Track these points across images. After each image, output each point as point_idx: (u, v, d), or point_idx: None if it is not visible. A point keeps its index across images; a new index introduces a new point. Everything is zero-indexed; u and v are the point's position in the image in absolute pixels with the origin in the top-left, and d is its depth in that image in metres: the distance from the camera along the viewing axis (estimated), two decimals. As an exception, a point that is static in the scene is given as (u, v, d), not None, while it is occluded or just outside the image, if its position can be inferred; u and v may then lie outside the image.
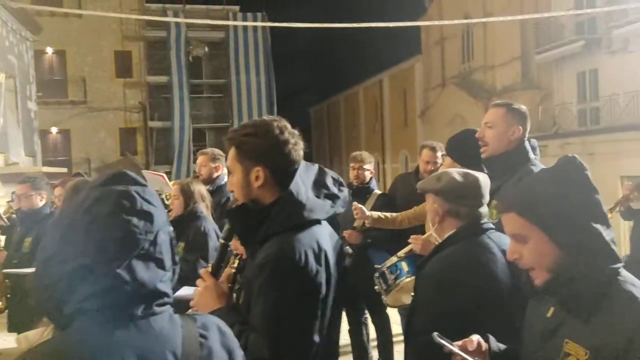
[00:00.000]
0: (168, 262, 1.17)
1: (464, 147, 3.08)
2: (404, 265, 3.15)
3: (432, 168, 4.58)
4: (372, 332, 5.02)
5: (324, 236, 1.84)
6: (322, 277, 1.76)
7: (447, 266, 2.11)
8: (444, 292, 2.05)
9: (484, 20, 19.59)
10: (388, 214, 4.23)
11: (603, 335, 1.39)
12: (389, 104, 33.35)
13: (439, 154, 4.63)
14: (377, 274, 3.29)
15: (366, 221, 4.15)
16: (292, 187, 1.80)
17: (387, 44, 32.66)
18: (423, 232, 4.04)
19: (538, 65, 20.73)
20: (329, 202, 1.88)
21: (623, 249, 14.05)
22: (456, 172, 2.24)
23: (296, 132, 1.87)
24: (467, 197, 2.18)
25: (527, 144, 2.75)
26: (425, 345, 1.66)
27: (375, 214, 4.18)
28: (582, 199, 1.49)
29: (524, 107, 2.81)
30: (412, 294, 2.80)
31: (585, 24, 18.55)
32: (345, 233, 4.45)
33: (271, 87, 29.83)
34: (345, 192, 1.99)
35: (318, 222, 1.84)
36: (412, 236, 3.24)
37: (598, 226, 1.45)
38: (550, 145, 18.27)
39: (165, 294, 1.16)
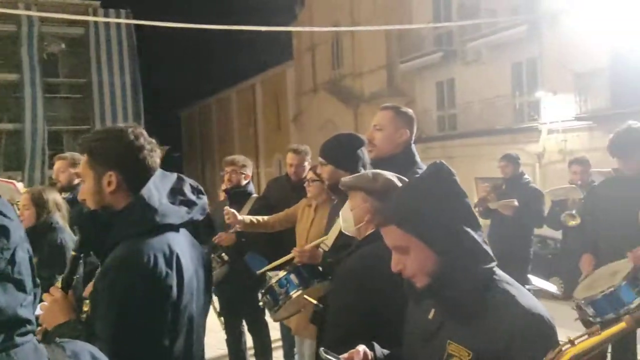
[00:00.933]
0: (29, 284, 1.03)
1: (341, 151, 3.09)
2: (294, 278, 3.08)
3: (296, 171, 4.58)
4: (249, 340, 4.91)
5: (179, 242, 1.83)
6: (172, 281, 1.73)
7: (369, 263, 2.08)
8: (365, 289, 2.02)
9: (351, 29, 20.37)
10: (260, 218, 4.17)
11: (484, 335, 1.41)
12: (262, 108, 33.42)
13: (307, 157, 4.64)
14: (262, 290, 3.18)
15: (238, 225, 4.05)
16: (143, 192, 1.79)
17: (260, 48, 32.74)
18: (293, 234, 4.06)
19: (402, 74, 21.97)
20: (184, 208, 1.87)
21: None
22: (390, 174, 2.23)
23: (153, 141, 1.87)
24: None
25: (413, 147, 2.81)
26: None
27: (247, 217, 4.11)
28: (452, 204, 1.52)
29: (410, 111, 2.87)
30: (315, 301, 2.74)
31: (443, 37, 20.02)
32: (215, 239, 4.31)
33: (137, 88, 28.47)
34: (204, 200, 1.97)
35: (172, 228, 1.83)
36: (295, 249, 3.18)
37: (469, 229, 1.48)
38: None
39: (28, 321, 1.02)
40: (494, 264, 1.51)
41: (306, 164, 4.61)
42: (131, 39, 28.56)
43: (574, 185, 5.38)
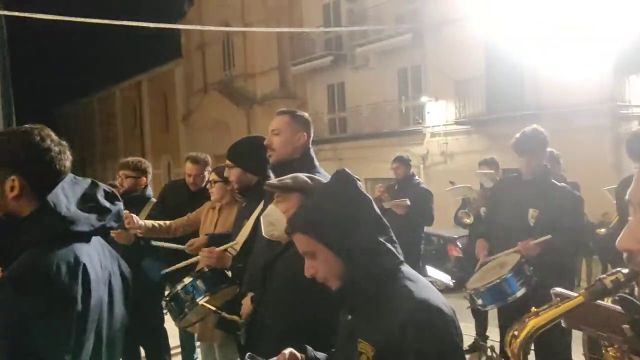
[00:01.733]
0: None
1: (249, 154, 3.08)
2: (200, 284, 2.99)
3: (195, 181, 4.48)
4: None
5: (87, 251, 1.75)
6: (77, 292, 1.65)
7: (297, 264, 2.08)
8: (303, 289, 1.99)
9: (242, 29, 20.22)
10: (162, 222, 4.05)
11: (382, 329, 1.48)
12: (149, 108, 32.14)
13: (207, 167, 4.52)
14: (167, 297, 3.08)
15: (138, 230, 3.90)
16: (50, 197, 1.70)
17: (147, 45, 31.39)
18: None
19: (294, 76, 22.19)
20: (94, 215, 1.79)
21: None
22: (321, 177, 2.27)
23: (63, 142, 1.78)
24: None
25: (312, 150, 2.87)
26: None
27: (149, 222, 3.97)
28: (353, 210, 1.59)
29: (306, 114, 2.92)
30: (214, 308, 2.68)
31: (333, 41, 20.51)
32: (114, 233, 4.09)
33: (6, 83, 26.13)
34: (119, 206, 1.90)
35: (82, 236, 1.75)
36: (204, 249, 3.11)
37: (370, 229, 1.57)
38: (306, 151, 19.65)
39: None
40: (398, 260, 1.58)
41: (206, 173, 4.49)
42: (1, 30, 26.22)
43: (469, 185, 5.77)
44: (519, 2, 13.93)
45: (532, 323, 0.95)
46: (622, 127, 12.84)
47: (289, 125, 2.80)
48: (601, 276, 0.94)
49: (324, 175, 2.75)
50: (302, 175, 2.31)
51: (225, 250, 3.10)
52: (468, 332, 5.80)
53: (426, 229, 6.71)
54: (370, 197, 1.69)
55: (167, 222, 4.07)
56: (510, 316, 3.58)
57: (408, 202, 5.69)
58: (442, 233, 12.26)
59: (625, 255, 0.87)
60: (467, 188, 5.71)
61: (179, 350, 4.93)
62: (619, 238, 0.88)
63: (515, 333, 0.96)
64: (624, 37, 12.35)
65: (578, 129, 13.03)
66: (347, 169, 1.68)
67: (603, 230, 7.78)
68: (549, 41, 13.31)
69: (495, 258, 3.65)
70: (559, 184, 3.79)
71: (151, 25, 12.40)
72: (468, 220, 5.53)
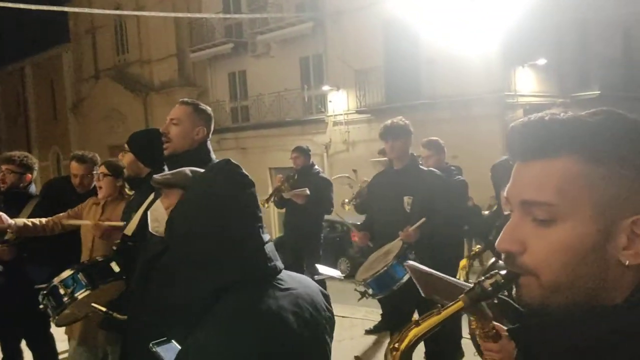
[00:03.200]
0: None
1: (146, 143, 2.91)
2: (81, 277, 2.80)
3: (82, 182, 4.15)
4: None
5: None
6: None
7: None
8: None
9: (135, 13, 19.25)
10: (37, 220, 3.70)
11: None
12: (34, 96, 29.89)
13: (95, 167, 4.19)
14: (44, 291, 2.84)
15: (9, 230, 3.54)
16: None
17: (29, 29, 29.04)
18: (78, 238, 3.68)
19: (193, 64, 21.54)
20: None
21: (275, 233, 15.89)
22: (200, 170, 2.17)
23: None
24: None
25: (209, 144, 2.77)
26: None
27: (20, 220, 3.64)
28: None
29: (209, 109, 2.83)
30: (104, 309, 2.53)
31: (233, 28, 20.10)
32: None
33: None
34: None
35: None
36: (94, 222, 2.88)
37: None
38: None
39: None
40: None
41: (94, 173, 4.15)
42: None
43: (347, 175, 5.97)
44: (414, -6, 14.36)
45: (412, 333, 0.91)
46: (509, 115, 13.68)
47: (190, 116, 2.71)
48: (480, 279, 0.89)
49: None
50: (186, 170, 2.20)
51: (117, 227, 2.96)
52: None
53: (330, 216, 6.79)
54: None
55: (44, 220, 3.75)
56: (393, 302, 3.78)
57: (307, 192, 5.67)
58: (345, 220, 12.44)
59: (503, 256, 0.84)
60: (346, 177, 5.96)
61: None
62: (498, 239, 0.84)
63: (396, 345, 0.92)
64: (511, 30, 13.11)
65: (471, 117, 13.74)
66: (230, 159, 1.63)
67: (487, 212, 8.31)
68: (443, 33, 13.85)
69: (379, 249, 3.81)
70: (425, 169, 4.06)
71: (35, 7, 11.42)
72: (347, 207, 5.77)
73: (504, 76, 14.00)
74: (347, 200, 5.82)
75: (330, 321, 1.65)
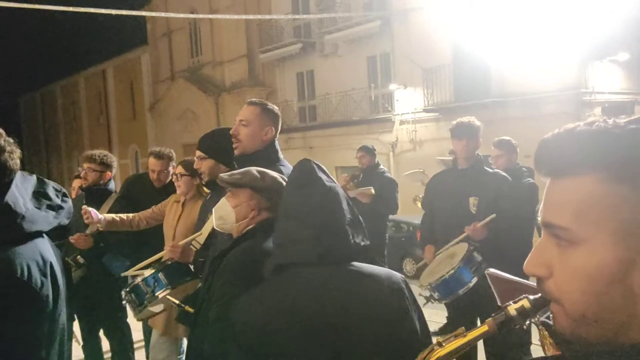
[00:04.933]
0: None
1: (222, 145, 2.97)
2: (162, 277, 2.93)
3: (159, 177, 4.36)
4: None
5: (48, 248, 1.76)
6: (49, 290, 1.68)
7: (251, 258, 2.08)
8: (246, 282, 1.99)
9: (209, 16, 19.89)
10: (123, 215, 3.95)
11: None
12: (115, 96, 31.48)
13: (171, 162, 4.41)
14: (127, 289, 3.01)
15: (99, 225, 3.80)
16: (8, 197, 1.65)
17: (111, 32, 30.64)
18: (161, 233, 3.89)
19: (263, 64, 21.97)
20: (52, 213, 1.79)
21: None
22: (274, 173, 2.28)
23: (11, 140, 1.73)
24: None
25: (277, 143, 2.82)
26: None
27: (109, 216, 3.88)
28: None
29: (277, 108, 2.87)
30: (178, 302, 2.67)
31: (302, 29, 20.35)
32: (72, 238, 3.99)
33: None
34: (69, 203, 1.89)
35: (40, 234, 1.75)
36: (168, 245, 3.07)
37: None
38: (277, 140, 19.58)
39: None
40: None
41: (170, 168, 4.35)
42: (-43, 15, 25.25)
43: (422, 169, 5.84)
44: (485, -11, 14.01)
45: (435, 355, 0.87)
46: (586, 113, 13.08)
47: (259, 117, 2.75)
48: (507, 303, 0.85)
49: (288, 168, 2.73)
50: (254, 170, 2.30)
51: (189, 243, 3.06)
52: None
53: (395, 216, 6.77)
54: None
55: (130, 215, 3.98)
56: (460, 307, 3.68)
57: (372, 191, 5.70)
58: (411, 220, 12.36)
59: (536, 280, 0.80)
60: (420, 173, 5.81)
61: (142, 344, 4.86)
62: (526, 261, 0.79)
63: None
64: (587, 25, 12.54)
65: (543, 116, 13.25)
66: (309, 159, 1.74)
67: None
68: (514, 29, 13.44)
69: (444, 250, 3.70)
70: (491, 170, 3.94)
71: (115, 12, 12.09)
72: (419, 203, 5.64)
73: (580, 72, 13.40)
74: (420, 196, 5.69)
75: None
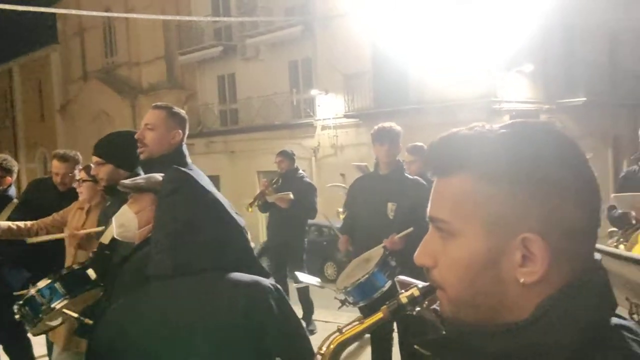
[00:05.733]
0: None
1: (120, 149, 2.88)
2: (59, 286, 2.77)
3: (63, 180, 4.13)
4: None
5: None
6: None
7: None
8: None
9: (125, 15, 19.18)
10: (21, 223, 3.68)
11: None
12: (22, 96, 29.64)
13: (77, 165, 4.19)
14: (21, 302, 2.80)
15: None
16: None
17: (18, 30, 28.79)
18: (61, 243, 3.65)
19: (182, 66, 21.46)
20: None
21: (261, 237, 15.85)
22: None
23: None
24: None
25: (185, 147, 2.78)
26: None
27: (5, 223, 3.63)
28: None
29: (183, 112, 2.84)
30: (77, 315, 2.55)
31: (223, 31, 20.07)
32: None
33: None
34: None
35: None
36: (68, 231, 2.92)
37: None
38: (196, 144, 19.16)
39: None
40: None
41: (76, 172, 4.14)
42: None
43: (338, 184, 5.91)
44: (402, 0, 14.42)
45: (336, 340, 0.97)
46: (496, 121, 13.73)
47: (165, 121, 2.71)
48: (400, 291, 0.94)
49: (197, 174, 2.68)
50: (157, 175, 2.22)
51: (93, 235, 2.93)
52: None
53: (317, 220, 6.77)
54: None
55: (28, 223, 3.73)
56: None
57: (291, 196, 5.67)
58: (333, 224, 12.42)
59: (425, 269, 0.86)
60: (342, 187, 5.92)
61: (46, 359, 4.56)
62: (416, 252, 0.87)
63: (321, 351, 0.98)
64: (497, 38, 13.20)
65: (458, 123, 13.39)
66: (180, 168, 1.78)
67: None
68: (431, 39, 13.91)
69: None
70: (411, 177, 4.00)
71: (23, 8, 11.35)
72: (342, 216, 5.65)
73: (490, 82, 14.08)
74: (341, 210, 5.70)
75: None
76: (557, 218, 0.76)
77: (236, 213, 1.90)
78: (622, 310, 1.36)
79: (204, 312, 1.69)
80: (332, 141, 17.42)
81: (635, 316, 1.45)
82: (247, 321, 1.71)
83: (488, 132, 0.80)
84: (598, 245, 1.21)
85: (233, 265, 1.79)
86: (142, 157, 2.71)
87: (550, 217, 0.76)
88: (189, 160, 2.76)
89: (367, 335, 5.15)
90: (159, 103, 2.87)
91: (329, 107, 17.27)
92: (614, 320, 0.79)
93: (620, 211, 3.57)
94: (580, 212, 0.78)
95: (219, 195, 1.88)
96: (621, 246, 3.01)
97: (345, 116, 16.78)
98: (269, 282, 1.83)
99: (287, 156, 6.05)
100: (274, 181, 6.05)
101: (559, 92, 15.27)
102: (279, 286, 1.84)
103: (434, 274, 0.84)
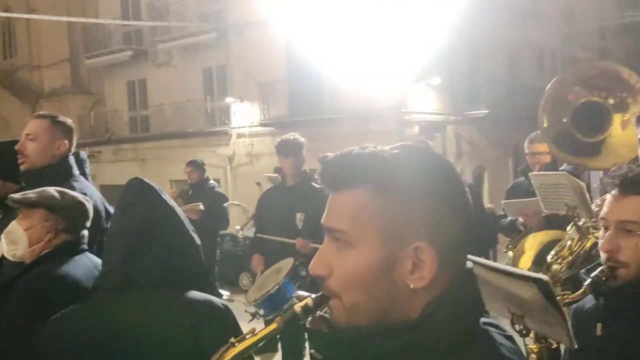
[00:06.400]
0: None
1: (7, 161, 2.70)
2: None
3: None
4: None
5: None
6: None
7: (41, 285, 1.98)
8: (35, 310, 1.90)
9: (26, 16, 18.09)
10: None
11: None
12: None
13: None
14: None
15: None
16: None
17: None
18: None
19: (88, 70, 20.51)
20: None
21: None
22: (75, 192, 2.19)
23: None
24: (85, 217, 2.18)
25: (71, 158, 2.67)
26: None
27: None
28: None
29: (70, 121, 2.75)
30: None
31: (133, 35, 19.39)
32: None
33: None
34: None
35: None
36: None
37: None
38: (104, 152, 18.36)
39: None
40: None
41: None
42: None
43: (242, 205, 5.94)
44: (319, 10, 14.61)
45: (230, 353, 0.96)
46: (406, 131, 14.24)
47: (48, 131, 2.61)
48: (294, 301, 0.98)
49: (85, 185, 2.61)
50: (52, 190, 2.12)
51: None
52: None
53: (232, 230, 6.66)
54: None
55: None
56: None
57: (201, 207, 5.56)
58: (248, 233, 12.30)
59: (319, 280, 0.90)
60: (236, 205, 5.99)
61: None
62: (310, 264, 0.91)
63: None
64: (408, 49, 13.69)
65: (370, 133, 14.11)
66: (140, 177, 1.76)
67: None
68: (345, 49, 14.18)
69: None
70: (318, 186, 4.03)
71: None
72: (241, 233, 5.75)
73: (401, 93, 14.57)
74: (238, 227, 5.67)
75: None
76: (443, 229, 0.85)
77: (192, 231, 1.86)
78: (504, 320, 1.44)
79: (151, 327, 1.65)
80: (247, 149, 17.30)
81: (517, 326, 1.53)
82: (196, 340, 1.67)
83: (381, 151, 0.87)
84: (479, 259, 1.33)
85: (187, 282, 1.76)
86: (22, 168, 2.60)
87: (438, 227, 0.85)
88: (76, 172, 2.66)
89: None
90: (41, 112, 2.84)
91: (244, 115, 17.14)
92: (482, 319, 0.90)
93: (509, 219, 3.77)
94: (460, 223, 0.87)
95: (178, 211, 1.85)
96: (510, 253, 3.18)
97: (261, 124, 16.73)
98: (221, 302, 1.80)
99: (197, 166, 5.95)
100: (183, 190, 5.91)
101: (464, 105, 16.07)
102: (229, 307, 1.81)
103: (329, 283, 0.88)
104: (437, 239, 0.85)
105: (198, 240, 1.86)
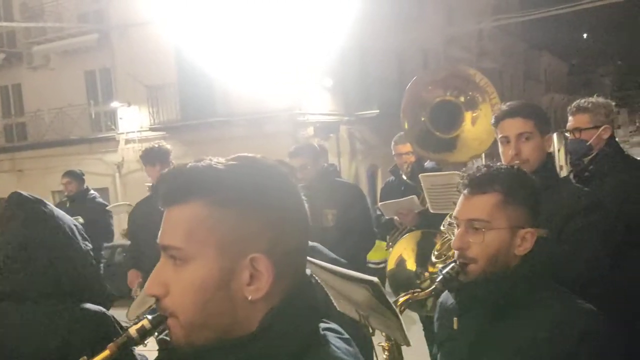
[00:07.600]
0: None
1: None
2: None
3: None
4: None
5: None
6: None
7: None
8: None
9: None
10: None
11: None
12: None
13: None
14: None
15: None
16: None
17: None
18: None
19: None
20: None
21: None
22: None
23: None
24: None
25: None
26: None
27: None
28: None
29: None
30: None
31: (4, 37, 17.88)
32: None
33: None
34: None
35: None
36: None
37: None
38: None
39: None
40: None
41: None
42: None
43: (128, 203, 5.78)
44: (207, 11, 14.28)
45: None
46: (301, 132, 14.33)
47: None
48: (129, 325, 0.93)
49: None
50: None
51: None
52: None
53: (124, 241, 6.29)
54: None
55: None
56: None
57: (81, 220, 5.15)
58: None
59: (155, 300, 0.87)
60: (126, 205, 5.78)
61: None
62: (145, 284, 0.87)
63: None
64: (301, 52, 13.77)
65: (265, 135, 14.06)
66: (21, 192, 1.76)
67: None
68: (237, 51, 13.98)
69: None
70: None
71: None
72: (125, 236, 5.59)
73: (295, 95, 14.62)
74: (124, 230, 5.42)
75: None
76: (281, 239, 0.84)
77: (84, 238, 1.87)
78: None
79: (18, 339, 1.65)
80: (137, 155, 16.46)
81: (365, 329, 1.58)
82: (64, 350, 1.64)
83: (217, 163, 0.85)
84: (318, 262, 1.36)
85: (72, 293, 1.75)
86: None
87: (275, 238, 0.84)
88: None
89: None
90: None
91: (132, 119, 16.37)
92: (322, 324, 0.92)
93: (387, 218, 3.89)
94: (297, 233, 0.87)
95: (66, 221, 1.84)
96: (391, 249, 3.27)
97: (151, 129, 16.05)
98: (110, 314, 1.82)
99: (75, 177, 5.54)
100: (61, 203, 5.47)
101: (356, 105, 16.45)
102: (110, 317, 1.82)
103: (166, 303, 0.85)
104: (274, 250, 0.84)
105: (89, 247, 1.87)
